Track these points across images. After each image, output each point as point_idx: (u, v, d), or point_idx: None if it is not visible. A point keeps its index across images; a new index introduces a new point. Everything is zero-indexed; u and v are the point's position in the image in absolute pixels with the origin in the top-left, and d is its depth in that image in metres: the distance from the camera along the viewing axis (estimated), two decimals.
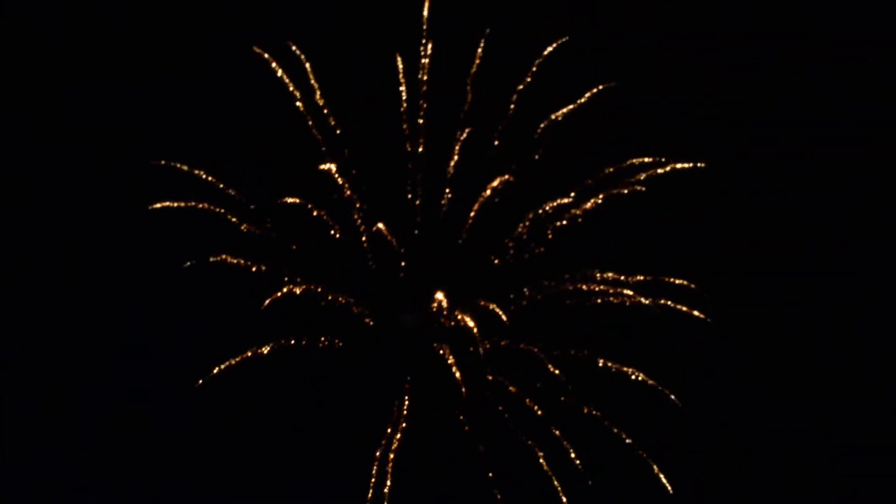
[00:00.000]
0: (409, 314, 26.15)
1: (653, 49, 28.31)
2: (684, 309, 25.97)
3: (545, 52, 26.71)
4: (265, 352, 25.46)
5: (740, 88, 29.24)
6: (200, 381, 25.30)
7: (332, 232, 26.22)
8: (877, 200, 29.18)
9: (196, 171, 26.13)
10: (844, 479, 27.59)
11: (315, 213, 25.93)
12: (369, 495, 24.90)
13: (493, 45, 26.67)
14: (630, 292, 25.68)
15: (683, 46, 28.48)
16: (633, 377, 25.64)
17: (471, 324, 25.02)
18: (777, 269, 28.64)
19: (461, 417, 25.72)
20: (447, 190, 26.40)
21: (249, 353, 25.50)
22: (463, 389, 25.14)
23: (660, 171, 26.42)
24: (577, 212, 26.33)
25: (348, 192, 26.05)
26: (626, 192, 26.24)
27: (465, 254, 26.64)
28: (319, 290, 25.59)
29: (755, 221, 28.91)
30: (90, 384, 27.31)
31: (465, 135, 26.11)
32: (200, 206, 25.74)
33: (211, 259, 25.57)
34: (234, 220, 25.91)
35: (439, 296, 25.76)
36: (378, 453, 25.20)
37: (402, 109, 26.24)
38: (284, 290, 25.26)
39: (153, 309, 27.03)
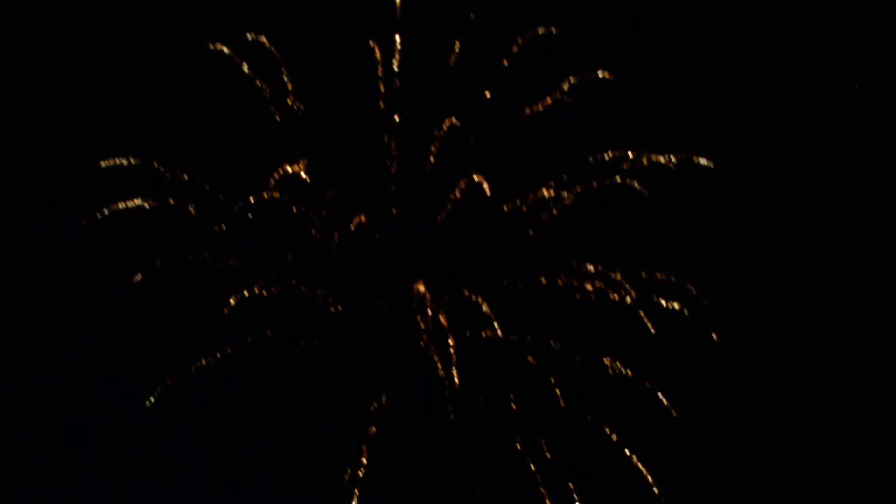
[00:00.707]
0: (387, 300, 26.20)
1: (637, 40, 28.27)
2: (663, 301, 25.91)
3: (521, 40, 26.72)
4: (239, 350, 25.70)
5: (732, 83, 29.09)
6: (159, 388, 25.51)
7: (312, 230, 26.46)
8: (876, 200, 28.97)
9: (164, 171, 26.45)
10: (841, 479, 27.32)
11: (294, 210, 26.18)
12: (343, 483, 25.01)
13: (474, 35, 26.86)
14: (601, 285, 25.67)
15: (668, 39, 28.42)
16: (612, 372, 25.61)
17: (442, 320, 25.12)
18: (767, 265, 28.38)
19: (442, 412, 25.75)
20: (426, 184, 26.54)
21: (230, 350, 25.76)
22: (446, 383, 25.22)
23: (639, 163, 26.40)
24: (560, 204, 26.37)
25: (324, 191, 26.29)
26: (608, 183, 26.25)
27: (445, 245, 26.72)
28: (294, 283, 25.82)
29: (746, 217, 28.67)
30: (87, 385, 27.60)
31: (445, 126, 26.22)
32: (171, 201, 26.05)
33: (190, 257, 25.90)
34: (208, 218, 26.19)
35: (420, 287, 25.83)
36: (353, 447, 25.34)
37: (379, 101, 26.41)
38: (255, 289, 25.48)
39: (131, 311, 27.08)
